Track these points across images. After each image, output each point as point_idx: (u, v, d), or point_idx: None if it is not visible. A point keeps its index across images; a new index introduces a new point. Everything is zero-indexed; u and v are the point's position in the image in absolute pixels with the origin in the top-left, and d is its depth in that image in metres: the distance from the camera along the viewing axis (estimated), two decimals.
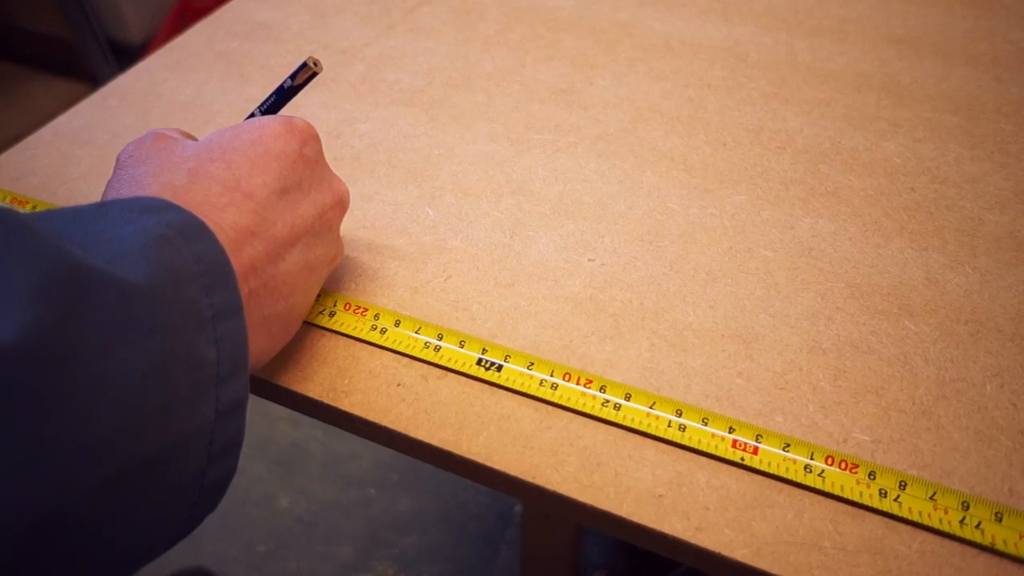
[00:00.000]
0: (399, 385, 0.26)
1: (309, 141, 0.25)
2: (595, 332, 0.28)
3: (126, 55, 1.88)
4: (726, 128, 0.37)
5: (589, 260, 0.30)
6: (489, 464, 0.24)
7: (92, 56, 1.62)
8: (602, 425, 0.25)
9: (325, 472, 1.00)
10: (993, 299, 0.29)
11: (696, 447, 0.24)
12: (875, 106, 0.39)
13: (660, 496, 0.23)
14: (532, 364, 0.26)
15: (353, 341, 0.27)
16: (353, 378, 0.26)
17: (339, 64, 0.42)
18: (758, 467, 0.23)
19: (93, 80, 1.77)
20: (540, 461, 0.24)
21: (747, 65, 0.42)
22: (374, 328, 0.27)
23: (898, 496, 0.22)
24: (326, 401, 0.25)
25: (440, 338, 0.27)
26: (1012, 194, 0.33)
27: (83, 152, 0.37)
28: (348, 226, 0.32)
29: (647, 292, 0.29)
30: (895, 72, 0.41)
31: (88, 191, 0.34)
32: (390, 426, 0.25)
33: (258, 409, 1.15)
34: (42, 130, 0.38)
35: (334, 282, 0.30)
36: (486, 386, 0.26)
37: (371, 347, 0.27)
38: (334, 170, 0.34)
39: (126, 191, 0.23)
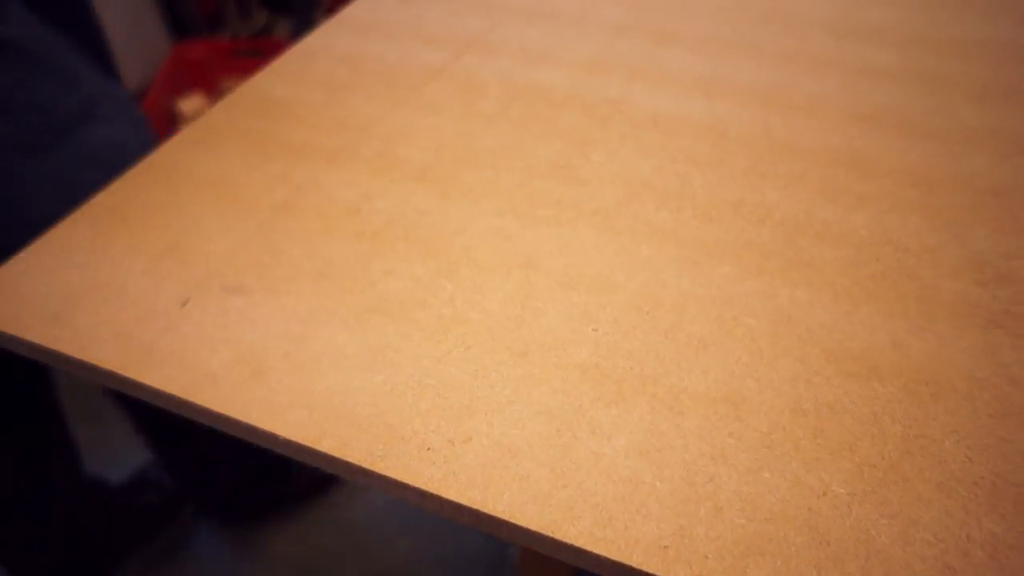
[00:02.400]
0: (428, 449, 0.29)
1: None
2: (601, 397, 0.31)
3: None
4: (711, 202, 0.41)
5: (593, 330, 0.34)
6: (514, 521, 0.27)
7: None
8: (611, 483, 0.28)
9: (322, 518, 1.01)
10: (950, 362, 0.32)
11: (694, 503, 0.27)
12: (844, 179, 0.43)
13: (665, 547, 0.26)
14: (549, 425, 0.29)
15: (386, 409, 0.30)
16: (387, 443, 0.29)
17: (355, 141, 0.46)
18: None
19: None
20: (558, 517, 0.27)
21: (727, 140, 0.46)
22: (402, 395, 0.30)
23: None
24: (364, 465, 0.28)
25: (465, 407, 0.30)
26: (965, 263, 0.37)
27: (122, 227, 0.40)
28: (373, 299, 0.35)
29: (646, 359, 0.33)
30: (861, 147, 0.45)
31: (129, 264, 0.37)
32: (422, 487, 0.28)
33: None
34: (82, 207, 0.41)
35: (367, 353, 0.33)
36: (506, 449, 0.29)
37: (404, 412, 0.30)
38: (356, 244, 0.38)
39: None
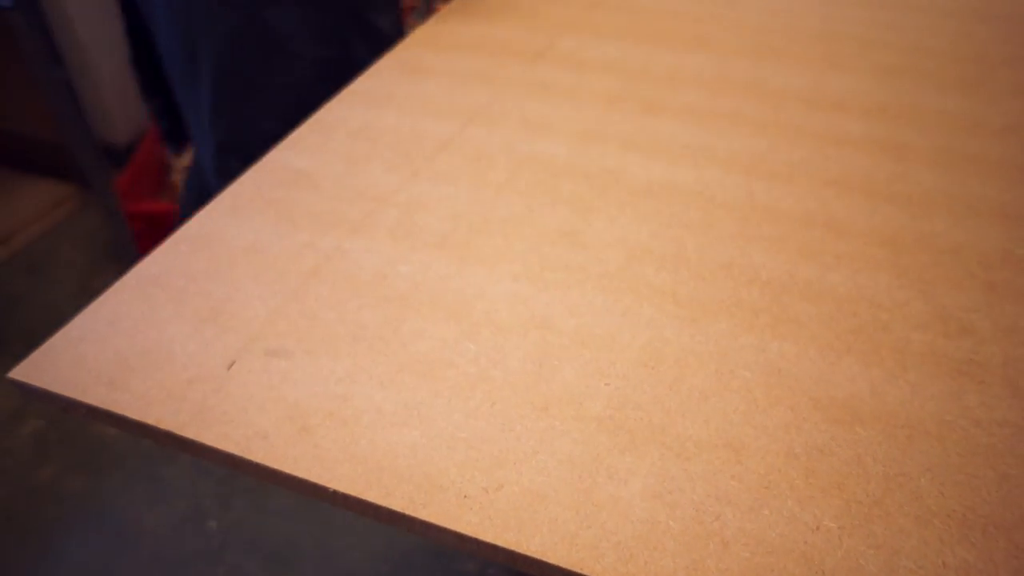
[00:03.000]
0: (465, 497, 0.32)
1: None
2: (616, 446, 0.35)
3: (112, 156, 1.95)
4: (703, 264, 0.46)
5: (605, 384, 0.38)
6: (546, 560, 0.30)
7: (82, 158, 1.68)
8: (630, 523, 0.31)
9: (320, 567, 1.02)
10: (922, 407, 0.37)
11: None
12: (820, 241, 0.48)
13: None
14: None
15: (424, 460, 0.34)
16: (428, 492, 0.32)
17: (375, 211, 0.50)
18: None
19: (83, 181, 1.83)
20: (585, 555, 0.30)
21: (715, 206, 0.51)
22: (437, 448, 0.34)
23: None
24: (408, 513, 0.32)
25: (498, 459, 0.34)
26: (931, 317, 0.42)
27: (165, 296, 0.43)
28: (405, 360, 0.39)
29: (653, 410, 0.36)
30: (834, 210, 0.50)
31: (175, 330, 0.41)
32: (462, 531, 0.31)
33: (252, 504, 1.17)
34: (127, 276, 0.44)
35: (402, 410, 0.36)
36: (535, 495, 0.32)
37: (441, 463, 0.34)
38: (385, 308, 0.41)
39: None
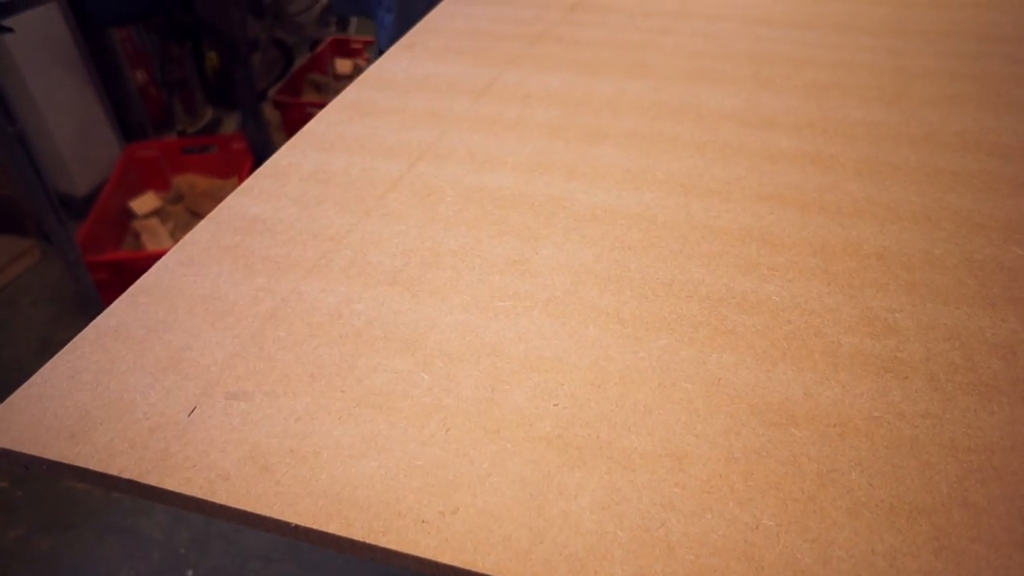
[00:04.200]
0: (423, 521, 0.34)
1: None
2: (566, 463, 0.36)
3: (71, 208, 1.94)
4: (646, 283, 0.48)
5: (554, 405, 0.39)
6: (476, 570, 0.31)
7: (40, 211, 1.67)
8: (580, 536, 0.33)
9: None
10: (851, 405, 0.39)
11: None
12: (756, 254, 0.50)
13: None
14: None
15: (382, 490, 0.35)
16: (386, 519, 0.34)
17: (329, 251, 0.52)
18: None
19: (42, 235, 1.81)
20: (538, 570, 0.32)
21: (656, 227, 0.53)
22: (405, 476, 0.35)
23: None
24: (369, 541, 0.33)
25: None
26: (859, 319, 0.44)
27: (125, 347, 0.44)
28: (361, 394, 0.40)
29: (600, 427, 0.38)
30: (768, 224, 0.53)
31: (135, 380, 0.42)
32: (421, 555, 0.32)
33: (229, 550, 1.16)
34: (86, 330, 0.45)
35: (360, 443, 0.37)
36: (489, 515, 0.34)
37: (398, 491, 0.35)
38: (341, 346, 0.43)
39: None
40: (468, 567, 0.32)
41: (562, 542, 0.33)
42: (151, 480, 0.36)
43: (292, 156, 0.63)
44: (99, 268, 1.58)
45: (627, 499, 0.35)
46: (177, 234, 1.86)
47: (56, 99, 1.78)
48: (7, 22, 1.21)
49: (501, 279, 0.49)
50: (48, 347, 1.63)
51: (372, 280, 0.49)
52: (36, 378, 0.42)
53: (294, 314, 0.46)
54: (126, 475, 0.36)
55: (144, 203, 1.89)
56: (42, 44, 1.70)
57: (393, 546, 0.33)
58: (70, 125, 1.84)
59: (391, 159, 0.62)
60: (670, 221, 0.54)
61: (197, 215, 2.03)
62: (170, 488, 0.36)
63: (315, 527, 0.34)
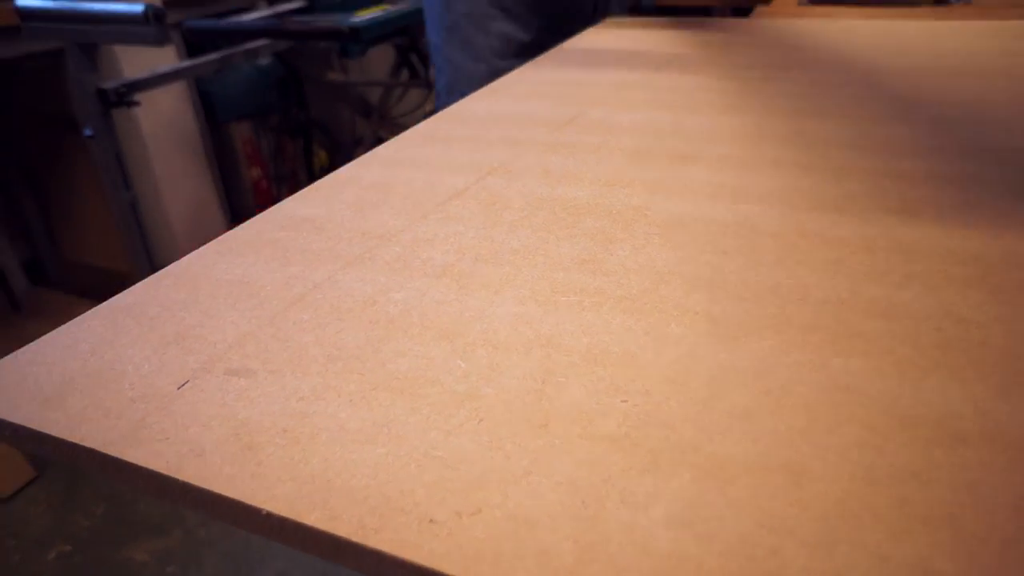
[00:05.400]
0: (431, 521, 0.25)
1: None
2: (633, 466, 0.27)
3: None
4: (745, 285, 0.39)
5: (622, 402, 0.30)
6: None
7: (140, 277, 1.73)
8: (650, 558, 0.23)
9: None
10: None
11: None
12: (885, 262, 0.40)
13: None
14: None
15: (386, 480, 0.27)
16: (384, 515, 0.25)
17: (376, 247, 0.46)
18: None
19: None
20: None
21: (757, 234, 0.44)
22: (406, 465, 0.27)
23: None
24: (356, 540, 0.24)
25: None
26: None
27: (134, 323, 0.39)
28: (382, 378, 0.33)
29: (683, 428, 0.29)
30: (898, 235, 0.43)
31: (133, 352, 0.36)
32: (422, 562, 0.23)
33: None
34: (98, 307, 0.41)
35: (370, 428, 0.29)
36: (522, 521, 0.25)
37: (406, 483, 0.26)
38: (369, 331, 0.36)
39: None
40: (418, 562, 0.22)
41: (622, 562, 0.23)
42: (114, 451, 0.29)
43: (355, 170, 0.59)
44: None
45: (719, 516, 0.24)
46: None
47: (173, 177, 1.90)
48: (137, 97, 1.31)
49: (566, 276, 0.41)
50: None
51: (417, 273, 0.42)
52: (32, 346, 0.37)
53: (323, 299, 0.40)
54: (87, 443, 0.30)
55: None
56: (169, 124, 1.84)
57: (387, 548, 0.24)
58: (182, 203, 1.96)
59: (458, 174, 0.57)
60: (775, 230, 0.45)
61: None
62: (132, 461, 0.29)
63: (291, 517, 0.25)
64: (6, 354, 0.37)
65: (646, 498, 0.25)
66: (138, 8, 1.08)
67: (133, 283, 0.43)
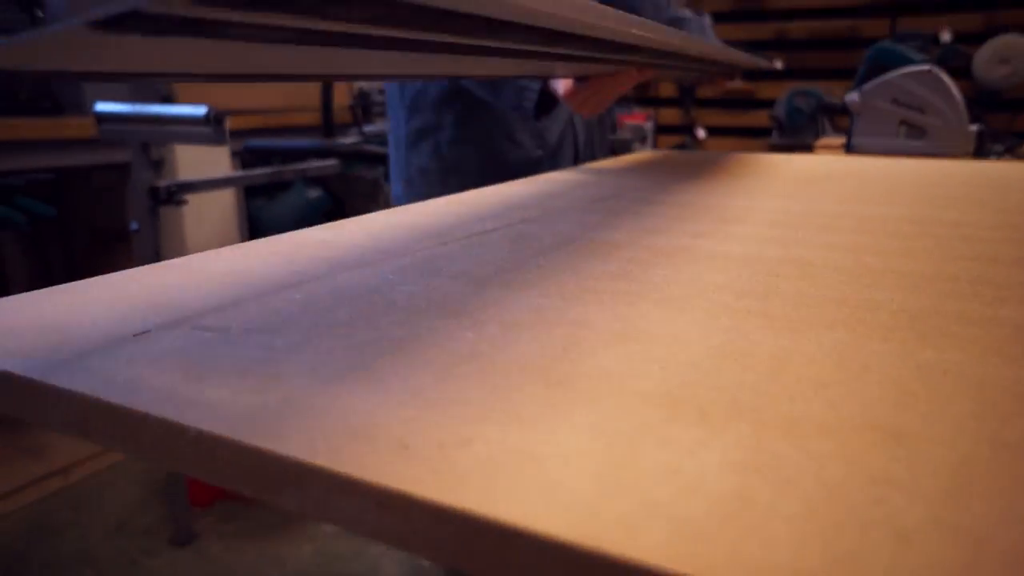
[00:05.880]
0: (405, 447, 0.19)
1: None
2: (676, 418, 0.21)
3: None
4: (802, 297, 0.33)
5: (660, 368, 0.24)
6: (534, 529, 0.15)
7: None
8: (700, 498, 0.16)
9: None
10: None
11: None
12: (969, 288, 0.35)
13: None
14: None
15: (364, 410, 0.21)
16: (338, 440, 0.19)
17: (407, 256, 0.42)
18: None
19: None
20: (613, 529, 0.15)
21: (815, 267, 0.40)
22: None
23: None
24: (303, 459, 0.18)
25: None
26: None
27: (125, 291, 0.35)
28: (376, 338, 0.27)
29: (739, 392, 0.22)
30: (981, 273, 0.38)
31: (104, 310, 0.31)
32: (388, 485, 0.17)
33: None
34: (73, 283, 0.37)
35: (348, 372, 0.24)
36: (526, 455, 0.18)
37: (382, 416, 0.20)
38: (371, 309, 0.31)
39: None
40: (472, 509, 0.16)
41: (663, 500, 0.16)
42: (35, 374, 0.24)
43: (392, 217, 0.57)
44: None
45: (797, 464, 0.18)
46: None
47: None
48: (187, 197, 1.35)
49: (596, 283, 0.36)
50: (120, 532, 1.53)
51: (433, 273, 0.38)
52: (19, 296, 0.33)
53: (323, 290, 0.35)
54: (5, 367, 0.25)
55: None
56: (213, 234, 1.89)
57: (340, 468, 0.18)
58: None
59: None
60: (834, 264, 0.40)
61: None
62: (39, 379, 0.23)
63: (226, 435, 0.19)
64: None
65: (694, 444, 0.19)
66: (201, 111, 1.15)
67: None
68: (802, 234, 0.49)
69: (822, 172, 0.86)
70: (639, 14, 0.76)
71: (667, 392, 0.22)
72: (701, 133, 2.99)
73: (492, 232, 0.50)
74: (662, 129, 3.04)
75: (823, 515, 0.16)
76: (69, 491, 1.69)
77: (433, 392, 0.22)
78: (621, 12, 0.42)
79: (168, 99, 1.37)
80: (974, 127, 1.20)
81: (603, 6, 0.38)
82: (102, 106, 1.31)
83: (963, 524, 0.15)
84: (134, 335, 0.28)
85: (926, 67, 1.22)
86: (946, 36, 2.39)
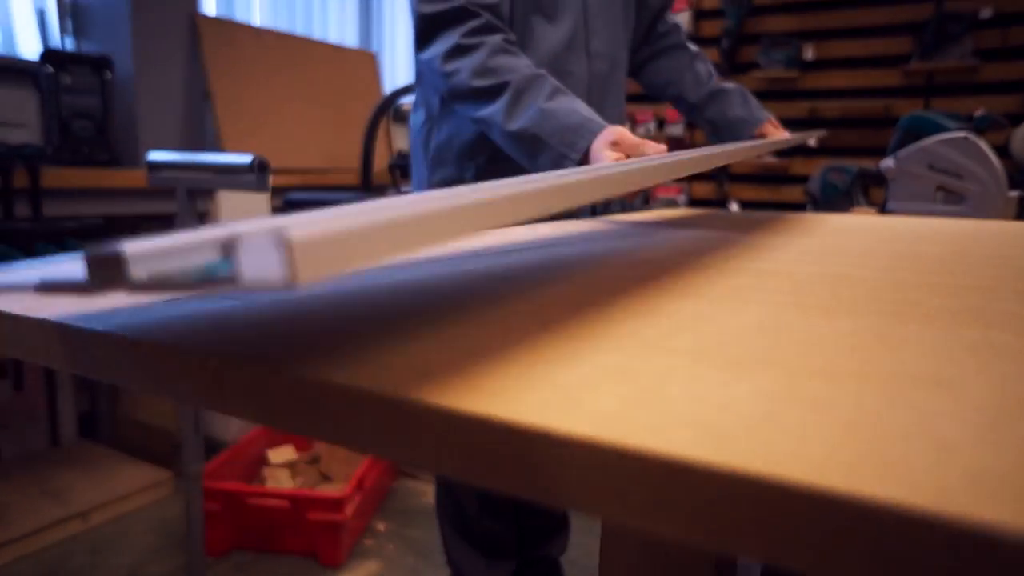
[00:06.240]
0: (401, 356, 0.18)
1: None
2: (707, 366, 0.20)
3: (213, 450, 1.97)
4: (835, 297, 0.33)
5: (690, 333, 0.24)
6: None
7: (186, 448, 1.70)
8: (722, 411, 0.16)
9: None
10: None
11: None
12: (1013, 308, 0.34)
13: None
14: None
15: (355, 334, 0.20)
16: (329, 349, 0.19)
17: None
18: None
19: (176, 470, 1.83)
20: (625, 431, 0.14)
21: (851, 280, 0.39)
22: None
23: None
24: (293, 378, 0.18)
25: None
26: None
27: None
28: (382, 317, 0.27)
29: (772, 351, 0.22)
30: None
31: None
32: (366, 386, 0.16)
33: None
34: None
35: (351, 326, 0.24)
36: (540, 366, 0.18)
37: (375, 344, 0.20)
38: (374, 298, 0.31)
39: None
40: (466, 409, 0.15)
41: (682, 407, 0.16)
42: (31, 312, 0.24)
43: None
44: (214, 496, 1.52)
45: (832, 398, 0.17)
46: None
47: None
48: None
49: (622, 315, 0.36)
50: None
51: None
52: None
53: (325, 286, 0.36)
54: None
55: (281, 454, 1.89)
56: None
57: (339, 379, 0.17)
58: None
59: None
60: (869, 276, 0.39)
61: (328, 479, 1.97)
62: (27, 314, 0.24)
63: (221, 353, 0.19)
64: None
65: (724, 382, 0.18)
66: (246, 159, 1.20)
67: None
68: (837, 258, 0.48)
69: (856, 224, 0.85)
70: (681, 87, 0.79)
71: (699, 348, 0.22)
72: (734, 207, 3.01)
73: (526, 251, 0.50)
74: (695, 202, 3.06)
75: (862, 430, 0.15)
76: (87, 535, 1.68)
77: (442, 342, 0.22)
78: (703, 150, 0.47)
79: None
80: (1014, 193, 1.18)
81: (701, 152, 0.40)
82: (154, 155, 1.37)
83: (1007, 440, 0.14)
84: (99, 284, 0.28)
85: (962, 134, 1.22)
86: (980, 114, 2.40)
